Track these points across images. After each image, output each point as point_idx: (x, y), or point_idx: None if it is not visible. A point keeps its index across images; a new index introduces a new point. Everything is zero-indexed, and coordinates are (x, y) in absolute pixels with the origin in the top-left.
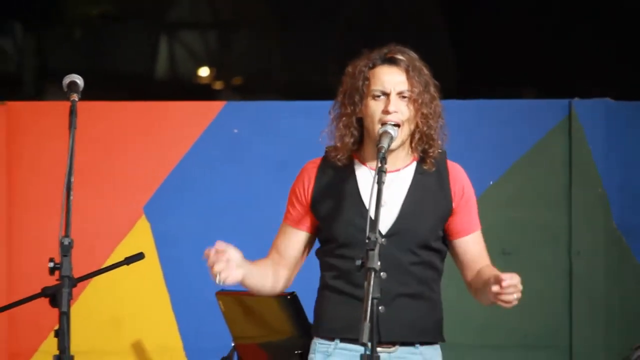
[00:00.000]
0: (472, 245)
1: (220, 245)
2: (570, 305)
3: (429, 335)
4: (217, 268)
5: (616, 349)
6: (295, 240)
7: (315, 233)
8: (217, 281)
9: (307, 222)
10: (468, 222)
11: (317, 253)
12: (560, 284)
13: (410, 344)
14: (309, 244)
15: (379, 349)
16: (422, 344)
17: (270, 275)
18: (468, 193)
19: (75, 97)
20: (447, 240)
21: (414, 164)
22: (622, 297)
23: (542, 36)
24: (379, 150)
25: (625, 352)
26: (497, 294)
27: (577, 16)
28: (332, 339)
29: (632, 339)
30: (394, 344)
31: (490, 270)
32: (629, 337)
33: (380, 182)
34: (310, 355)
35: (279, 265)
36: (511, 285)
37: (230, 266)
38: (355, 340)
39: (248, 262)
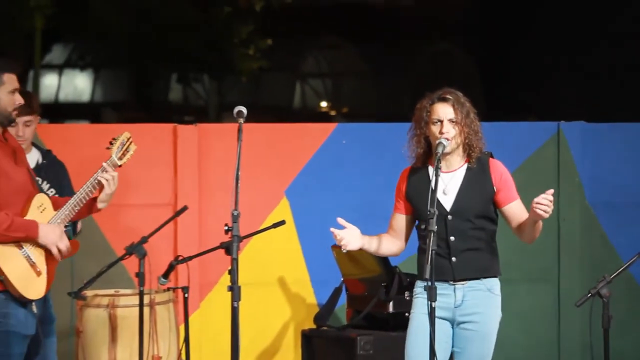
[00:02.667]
0: (514, 209)
1: (341, 221)
2: (558, 254)
3: (487, 272)
4: (339, 240)
5: (587, 281)
6: (402, 221)
7: (409, 214)
8: (342, 249)
9: (406, 209)
10: (508, 195)
11: (416, 227)
12: (552, 239)
13: (476, 279)
14: (411, 222)
15: (457, 284)
16: (485, 277)
17: (383, 244)
18: (505, 176)
19: (241, 120)
20: (497, 209)
21: (465, 165)
22: (590, 247)
23: (539, 79)
24: (435, 154)
25: (593, 284)
26: (538, 203)
27: (559, 64)
28: (426, 280)
29: (599, 274)
30: (465, 280)
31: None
32: (597, 273)
33: (437, 175)
34: (415, 290)
35: (394, 238)
36: (548, 198)
37: (350, 238)
38: (440, 280)
39: (366, 236)
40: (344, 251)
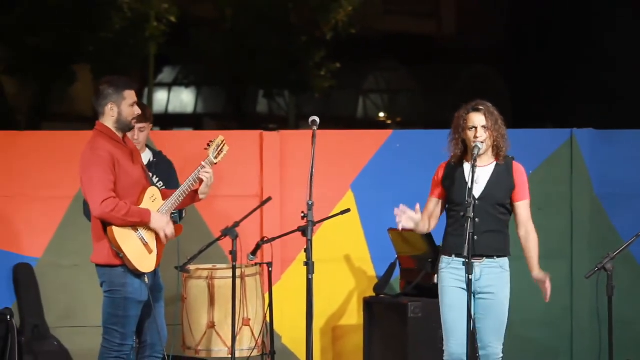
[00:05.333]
0: (522, 207)
1: (402, 206)
2: (571, 235)
3: (501, 252)
4: (398, 218)
5: (594, 257)
6: (436, 204)
7: (442, 199)
8: (399, 226)
9: (441, 193)
10: (522, 194)
11: (446, 210)
12: (566, 224)
13: (491, 257)
14: (443, 206)
15: (475, 260)
16: (498, 257)
17: (425, 225)
18: (523, 177)
19: (315, 128)
20: (511, 203)
21: (494, 163)
22: (597, 230)
23: (556, 94)
24: (472, 155)
25: (600, 260)
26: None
27: (573, 82)
28: (450, 255)
29: (604, 252)
30: (482, 257)
31: (530, 251)
32: (602, 251)
33: (473, 172)
34: (440, 265)
35: (429, 217)
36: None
37: (405, 218)
38: (462, 256)
39: (419, 218)
40: (400, 228)
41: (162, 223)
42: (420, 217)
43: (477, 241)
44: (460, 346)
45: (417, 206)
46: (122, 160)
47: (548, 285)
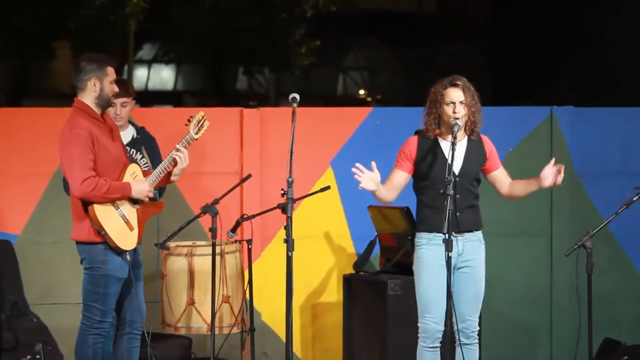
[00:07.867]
0: (500, 174)
1: (373, 165)
2: (551, 213)
3: (478, 225)
4: (358, 178)
5: (574, 235)
6: (402, 177)
7: (411, 175)
8: (359, 187)
9: (410, 168)
10: (496, 163)
11: (414, 186)
12: (546, 201)
13: (471, 231)
14: (407, 180)
15: (458, 236)
16: (477, 230)
17: (387, 192)
18: (493, 149)
19: (295, 105)
20: (485, 175)
21: (466, 137)
22: (577, 207)
23: (535, 71)
24: (452, 132)
25: (579, 237)
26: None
27: (552, 59)
28: (430, 232)
29: (583, 230)
30: (463, 232)
31: (520, 181)
32: (582, 229)
33: (454, 149)
34: (417, 241)
35: (391, 190)
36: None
37: (366, 179)
38: (445, 232)
39: (381, 185)
40: (359, 188)
41: (144, 190)
42: (379, 176)
43: (460, 217)
44: (437, 323)
45: (373, 164)
46: (101, 138)
47: (552, 167)
